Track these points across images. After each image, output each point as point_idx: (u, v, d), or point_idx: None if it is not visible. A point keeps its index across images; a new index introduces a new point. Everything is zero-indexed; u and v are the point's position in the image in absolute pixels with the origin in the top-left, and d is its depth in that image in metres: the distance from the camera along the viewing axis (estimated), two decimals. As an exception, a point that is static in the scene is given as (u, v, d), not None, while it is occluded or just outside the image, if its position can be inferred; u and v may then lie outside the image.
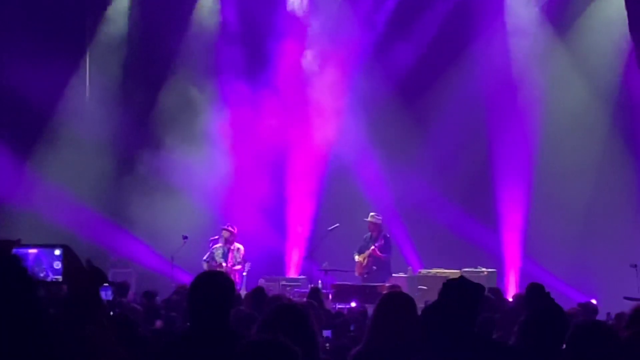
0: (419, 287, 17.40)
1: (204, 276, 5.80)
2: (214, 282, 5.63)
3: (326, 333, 10.43)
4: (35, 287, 2.66)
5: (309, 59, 21.26)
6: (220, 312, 5.52)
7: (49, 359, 2.63)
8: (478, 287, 5.85)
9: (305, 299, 13.72)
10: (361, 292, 16.12)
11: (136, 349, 5.79)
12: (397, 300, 5.99)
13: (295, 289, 18.17)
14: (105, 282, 3.44)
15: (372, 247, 18.43)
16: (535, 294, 7.71)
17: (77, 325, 3.04)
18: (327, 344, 9.98)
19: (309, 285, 17.52)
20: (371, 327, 5.95)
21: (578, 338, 5.45)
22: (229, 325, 5.61)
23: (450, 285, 5.83)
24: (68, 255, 3.18)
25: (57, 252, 7.99)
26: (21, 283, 2.65)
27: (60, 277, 7.48)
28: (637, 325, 5.56)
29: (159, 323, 10.82)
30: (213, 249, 18.60)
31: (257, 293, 12.22)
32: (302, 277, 19.96)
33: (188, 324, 5.87)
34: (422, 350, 5.55)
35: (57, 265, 7.76)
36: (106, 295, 11.96)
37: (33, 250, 8.32)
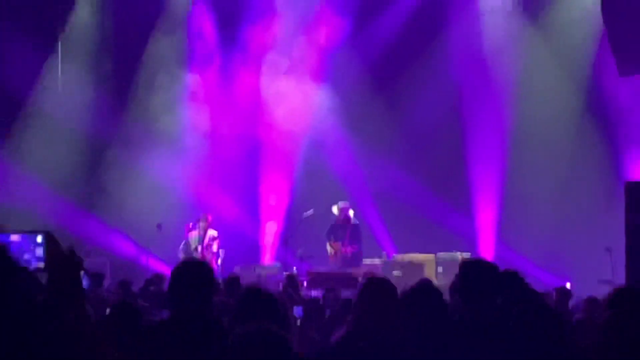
0: (394, 272, 17.39)
1: (186, 265, 5.79)
2: (196, 270, 5.64)
3: (297, 311, 10.46)
4: (22, 276, 2.64)
5: (283, 42, 21.17)
6: (202, 301, 5.54)
7: (34, 346, 2.62)
8: (495, 268, 6.05)
9: (280, 286, 13.73)
10: (336, 279, 16.09)
11: (137, 338, 5.82)
12: (380, 285, 6.01)
13: (271, 276, 18.15)
14: (83, 270, 3.41)
15: (341, 247, 18.43)
16: (510, 280, 7.71)
17: (58, 312, 3.03)
18: (298, 320, 10.05)
19: (284, 273, 17.53)
20: (354, 313, 5.97)
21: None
22: (211, 314, 5.63)
23: (467, 266, 6.01)
24: (50, 242, 3.16)
25: (39, 238, 7.95)
26: (8, 272, 2.62)
27: (42, 264, 7.43)
28: (616, 307, 5.61)
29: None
30: (188, 238, 18.56)
31: (232, 281, 12.23)
32: (277, 264, 19.91)
33: (168, 312, 5.85)
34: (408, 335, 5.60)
35: (39, 252, 7.72)
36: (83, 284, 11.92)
37: (15, 237, 8.27)
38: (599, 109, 19.66)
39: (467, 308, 6.02)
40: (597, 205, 19.13)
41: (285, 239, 19.61)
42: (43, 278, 3.12)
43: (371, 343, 5.70)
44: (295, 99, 20.88)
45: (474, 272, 6.08)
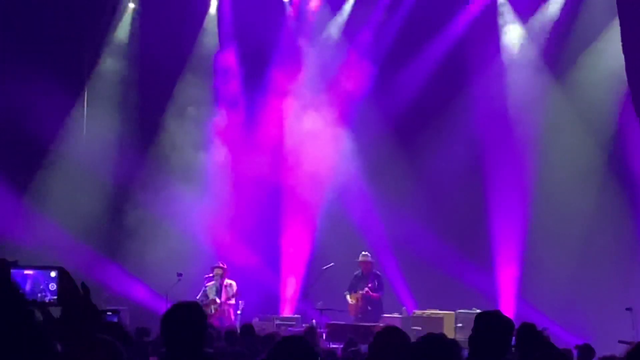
0: (413, 327, 17.31)
1: (176, 307, 5.85)
2: (185, 312, 5.71)
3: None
4: (32, 313, 2.67)
5: (309, 86, 21.27)
6: (194, 341, 5.58)
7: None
8: (510, 322, 6.08)
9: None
10: (355, 332, 16.03)
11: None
12: (393, 336, 6.02)
13: (290, 328, 18.12)
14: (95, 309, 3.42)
15: (366, 290, 18.51)
16: (526, 334, 7.76)
17: (70, 345, 3.05)
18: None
19: (303, 325, 17.50)
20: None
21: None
22: (203, 354, 5.67)
23: (483, 318, 6.05)
24: (63, 277, 3.20)
25: (53, 274, 8.01)
26: (18, 310, 2.64)
27: (55, 298, 7.57)
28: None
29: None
30: (206, 287, 18.63)
31: (246, 330, 12.28)
32: (296, 316, 19.89)
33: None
34: None
35: (53, 287, 7.79)
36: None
37: (29, 272, 8.33)
38: (621, 168, 19.60)
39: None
40: (619, 264, 19.02)
41: (305, 292, 19.61)
42: (55, 312, 3.16)
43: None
44: (319, 143, 20.92)
45: (487, 324, 6.09)
